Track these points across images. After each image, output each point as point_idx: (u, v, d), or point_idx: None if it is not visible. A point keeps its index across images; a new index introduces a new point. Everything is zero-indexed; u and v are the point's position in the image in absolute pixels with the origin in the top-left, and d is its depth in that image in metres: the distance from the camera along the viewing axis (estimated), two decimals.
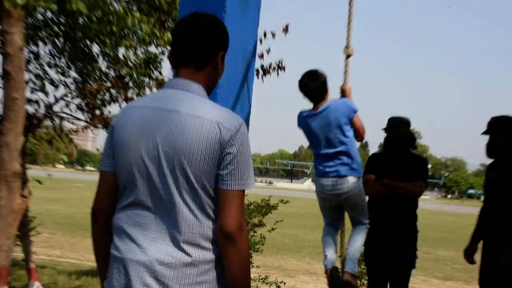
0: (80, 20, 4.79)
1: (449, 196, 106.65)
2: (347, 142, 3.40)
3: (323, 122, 3.39)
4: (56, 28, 5.12)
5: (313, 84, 3.39)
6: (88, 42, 5.19)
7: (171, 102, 1.58)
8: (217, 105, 1.62)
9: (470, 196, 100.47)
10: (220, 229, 1.52)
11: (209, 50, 1.65)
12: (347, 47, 3.44)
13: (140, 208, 1.58)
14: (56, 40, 5.29)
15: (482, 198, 3.91)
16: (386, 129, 4.03)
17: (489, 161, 3.77)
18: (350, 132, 3.42)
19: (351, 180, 3.39)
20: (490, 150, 3.65)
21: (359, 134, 3.47)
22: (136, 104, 1.68)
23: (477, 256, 3.80)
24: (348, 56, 3.46)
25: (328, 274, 3.51)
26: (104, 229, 1.68)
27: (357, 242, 3.54)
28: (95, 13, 4.38)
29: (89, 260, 9.25)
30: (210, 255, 1.55)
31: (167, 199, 1.54)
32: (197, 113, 1.54)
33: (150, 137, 1.56)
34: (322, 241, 3.66)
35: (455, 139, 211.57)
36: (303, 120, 3.52)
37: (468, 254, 3.87)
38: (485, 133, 3.65)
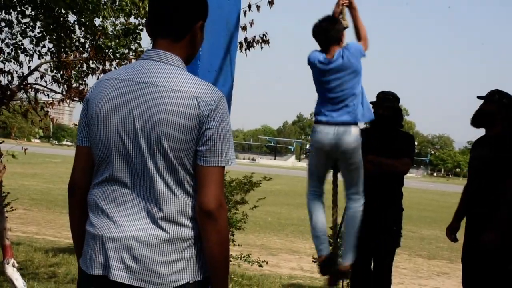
0: None
1: (435, 174, 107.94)
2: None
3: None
4: None
5: (332, 29, 3.20)
6: (64, 11, 4.95)
7: (148, 74, 1.51)
8: (195, 78, 1.54)
9: (457, 174, 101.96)
10: (200, 206, 1.48)
11: (187, 19, 1.57)
12: (343, 19, 3.34)
13: (116, 184, 1.53)
14: (27, 9, 5.03)
15: None
16: (375, 102, 3.99)
17: (477, 137, 3.74)
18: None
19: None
20: (477, 117, 3.61)
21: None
22: (110, 76, 1.60)
23: (459, 235, 3.80)
24: (343, 29, 3.33)
25: (322, 261, 3.34)
26: (81, 205, 1.63)
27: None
28: None
29: (66, 237, 9.12)
30: (188, 232, 1.50)
31: (144, 175, 1.49)
32: (175, 86, 1.48)
33: (126, 111, 1.49)
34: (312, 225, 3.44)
35: (442, 117, 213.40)
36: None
37: (451, 232, 3.86)
38: (480, 97, 3.61)
